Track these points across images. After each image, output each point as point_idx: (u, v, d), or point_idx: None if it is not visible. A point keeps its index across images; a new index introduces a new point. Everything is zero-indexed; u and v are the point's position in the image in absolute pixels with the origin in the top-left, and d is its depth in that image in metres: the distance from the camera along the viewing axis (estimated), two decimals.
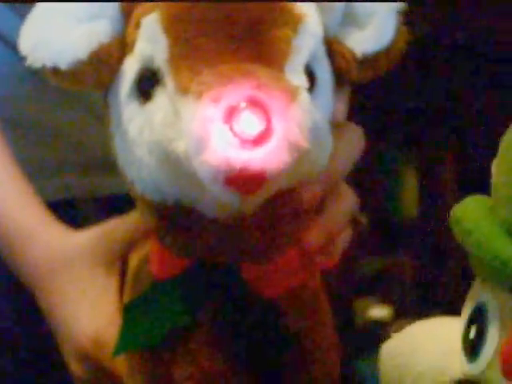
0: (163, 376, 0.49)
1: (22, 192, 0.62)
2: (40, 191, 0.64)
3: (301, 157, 0.40)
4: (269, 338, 0.49)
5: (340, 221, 0.51)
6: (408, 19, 0.49)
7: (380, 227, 1.81)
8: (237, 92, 0.39)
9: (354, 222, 0.53)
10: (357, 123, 0.52)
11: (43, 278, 0.60)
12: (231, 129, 0.39)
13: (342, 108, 0.51)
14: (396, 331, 0.48)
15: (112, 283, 0.59)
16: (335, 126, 0.48)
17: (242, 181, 0.39)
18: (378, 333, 1.68)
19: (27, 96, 0.70)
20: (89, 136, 0.73)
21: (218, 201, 0.43)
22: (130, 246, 0.58)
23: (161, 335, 0.48)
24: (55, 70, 0.45)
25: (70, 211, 0.71)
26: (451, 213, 0.42)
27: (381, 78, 0.49)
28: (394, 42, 0.48)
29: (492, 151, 0.42)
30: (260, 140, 0.39)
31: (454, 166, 1.84)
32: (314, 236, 0.49)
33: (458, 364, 0.42)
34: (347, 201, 0.51)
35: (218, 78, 0.40)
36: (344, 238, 0.53)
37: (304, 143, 0.40)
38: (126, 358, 0.52)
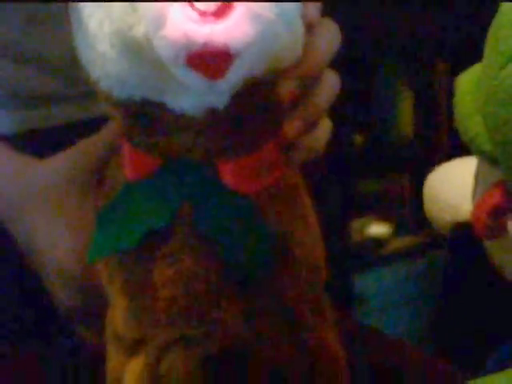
0: (142, 280, 0.48)
1: None
2: None
3: (267, 32, 0.38)
4: (248, 236, 0.47)
5: (320, 107, 0.48)
6: None
7: (376, 148, 1.80)
8: None
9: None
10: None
11: (16, 210, 0.59)
12: (190, 2, 0.37)
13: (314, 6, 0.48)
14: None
15: (87, 201, 0.57)
16: (309, 24, 0.46)
17: (206, 58, 0.37)
18: (376, 249, 1.67)
19: None
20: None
21: (186, 89, 0.41)
22: (105, 158, 0.56)
23: (137, 238, 0.47)
24: None
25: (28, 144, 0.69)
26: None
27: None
28: None
29: None
30: (221, 12, 0.37)
31: (448, 88, 1.82)
32: (291, 126, 0.47)
33: None
34: (328, 86, 0.49)
35: None
36: (324, 130, 0.50)
37: (268, 13, 0.38)
38: (104, 266, 0.51)
